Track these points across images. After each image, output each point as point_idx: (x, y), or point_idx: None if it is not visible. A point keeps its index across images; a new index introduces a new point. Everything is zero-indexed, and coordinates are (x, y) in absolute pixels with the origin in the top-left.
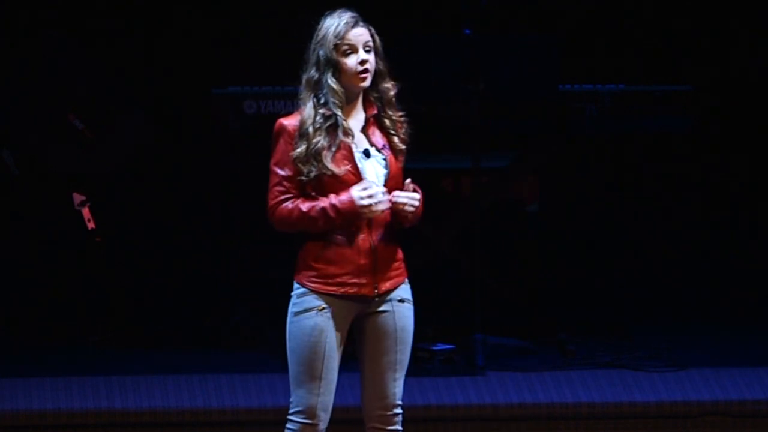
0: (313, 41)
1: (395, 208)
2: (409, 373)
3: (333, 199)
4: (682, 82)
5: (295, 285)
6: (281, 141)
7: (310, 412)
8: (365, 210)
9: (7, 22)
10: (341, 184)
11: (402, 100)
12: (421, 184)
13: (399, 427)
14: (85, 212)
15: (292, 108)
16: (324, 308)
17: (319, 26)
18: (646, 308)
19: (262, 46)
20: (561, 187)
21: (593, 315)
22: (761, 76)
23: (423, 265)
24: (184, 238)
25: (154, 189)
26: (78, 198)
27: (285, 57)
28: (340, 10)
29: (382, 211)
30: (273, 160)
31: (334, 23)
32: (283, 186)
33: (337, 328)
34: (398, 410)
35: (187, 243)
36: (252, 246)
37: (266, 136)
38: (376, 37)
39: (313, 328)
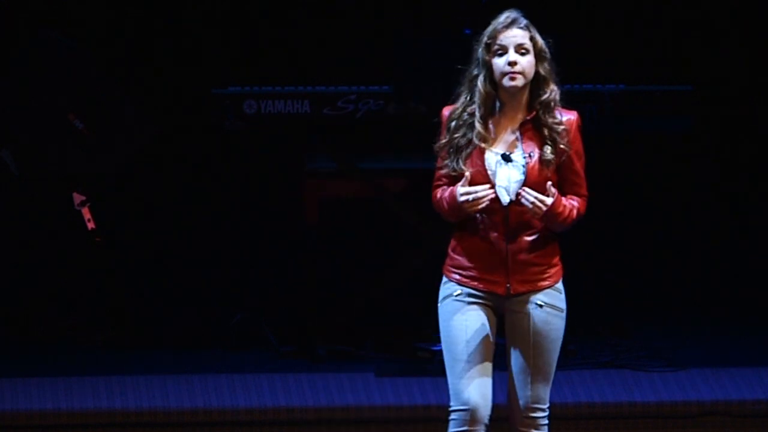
0: (478, 39)
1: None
2: (410, 373)
3: (447, 190)
4: (682, 82)
5: (443, 276)
6: (442, 129)
7: (461, 398)
8: (465, 206)
9: (6, 21)
10: (474, 182)
11: (402, 100)
12: (421, 183)
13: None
14: (85, 212)
15: (291, 108)
16: (460, 293)
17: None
18: (646, 308)
19: (262, 46)
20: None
21: (593, 315)
22: (761, 76)
23: (423, 265)
24: (184, 238)
25: (154, 189)
26: (78, 198)
27: (285, 57)
28: (507, 10)
29: (480, 208)
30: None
31: (493, 23)
32: (438, 172)
33: (478, 315)
34: (536, 414)
35: (187, 243)
36: (252, 246)
37: (266, 136)
38: (539, 41)
39: (450, 312)
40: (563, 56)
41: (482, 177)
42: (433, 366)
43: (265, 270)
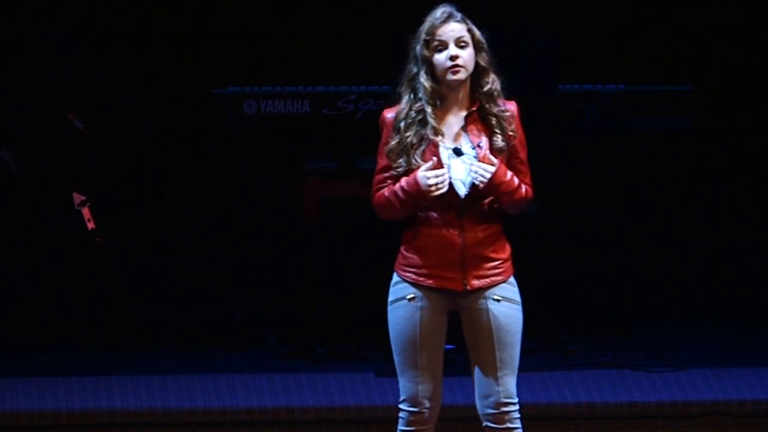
0: (416, 37)
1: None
2: None
3: (402, 180)
4: (682, 82)
5: (394, 274)
6: (383, 132)
7: (413, 401)
8: (431, 189)
9: (6, 21)
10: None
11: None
12: None
13: (512, 425)
14: (85, 212)
15: (291, 108)
16: (414, 297)
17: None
18: (646, 308)
19: (262, 46)
20: (561, 188)
21: (593, 314)
22: (761, 76)
23: None
24: (184, 238)
25: (154, 189)
26: (78, 198)
27: (285, 57)
28: (442, 6)
29: (441, 192)
30: (377, 152)
31: (429, 20)
32: (381, 175)
33: (431, 318)
34: (508, 408)
35: (187, 243)
36: (252, 246)
37: (266, 136)
38: (476, 32)
39: (404, 317)
40: (563, 56)
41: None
42: None
43: (265, 270)
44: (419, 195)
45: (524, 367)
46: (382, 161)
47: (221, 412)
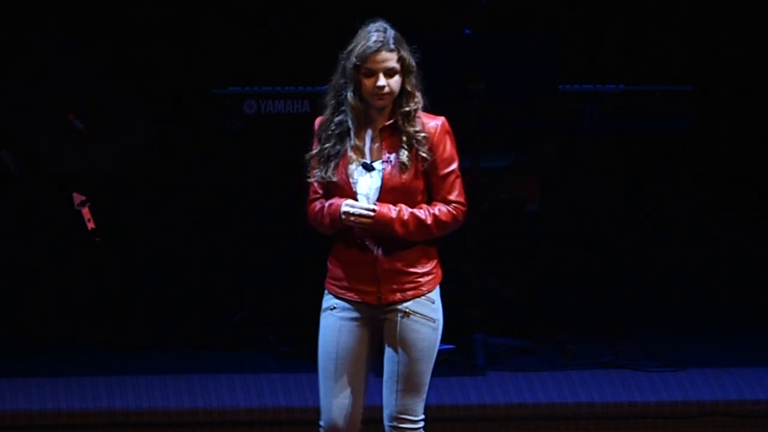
0: (346, 49)
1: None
2: None
3: (330, 201)
4: (682, 82)
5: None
6: (314, 139)
7: (325, 414)
8: (345, 220)
9: (6, 21)
10: (339, 191)
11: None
12: None
13: None
14: (85, 212)
15: (291, 108)
16: (335, 308)
17: (356, 36)
18: (646, 308)
19: (262, 46)
20: (561, 187)
21: (593, 315)
22: (761, 76)
23: None
24: (184, 238)
25: (154, 189)
26: (78, 198)
27: (285, 57)
28: (374, 26)
29: (360, 225)
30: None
31: (362, 42)
32: (313, 185)
33: (351, 329)
34: (405, 425)
35: (187, 243)
36: (252, 246)
37: (266, 136)
38: (406, 58)
39: (327, 327)
40: (563, 56)
41: (346, 186)
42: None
43: (265, 270)
44: (339, 222)
45: (524, 366)
46: (311, 169)
47: (221, 412)
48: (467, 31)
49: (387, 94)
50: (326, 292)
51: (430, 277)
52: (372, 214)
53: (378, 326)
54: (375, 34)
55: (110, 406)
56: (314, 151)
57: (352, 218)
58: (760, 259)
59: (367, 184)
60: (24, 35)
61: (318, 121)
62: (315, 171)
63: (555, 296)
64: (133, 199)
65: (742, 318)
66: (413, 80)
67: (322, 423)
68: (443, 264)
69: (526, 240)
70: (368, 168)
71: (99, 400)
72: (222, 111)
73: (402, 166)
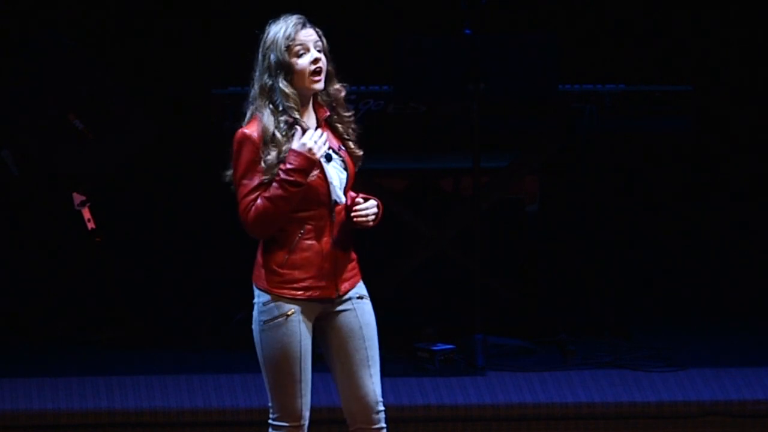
0: (262, 48)
1: (358, 223)
2: (410, 373)
3: (281, 168)
4: (682, 82)
5: (258, 292)
6: (245, 151)
7: (295, 416)
8: (313, 151)
9: (6, 22)
10: (310, 188)
11: (401, 100)
12: (421, 184)
13: (383, 425)
14: (85, 212)
15: None
16: (293, 312)
17: (266, 33)
18: (646, 308)
19: None
20: (561, 187)
21: (593, 315)
22: (761, 76)
23: (423, 265)
24: (184, 238)
25: (155, 189)
26: (78, 198)
27: None
28: (284, 16)
29: (324, 152)
30: (239, 173)
31: (282, 27)
32: (254, 195)
33: (309, 329)
34: (379, 407)
35: (187, 243)
36: (252, 246)
37: None
38: (324, 39)
39: (285, 334)
40: (563, 56)
41: (322, 181)
42: (433, 366)
43: None
44: (308, 165)
45: (524, 367)
46: (256, 179)
47: (221, 412)
48: (467, 31)
49: (323, 69)
50: (269, 298)
51: (357, 261)
52: (377, 204)
53: (321, 322)
54: (290, 18)
55: (110, 406)
56: (270, 156)
57: (362, 217)
58: (760, 259)
59: (336, 175)
60: (24, 35)
61: (248, 130)
62: (273, 177)
63: (555, 296)
64: (133, 199)
65: (743, 318)
66: (332, 64)
67: (288, 422)
68: (443, 264)
69: (526, 240)
70: (329, 158)
71: (99, 400)
72: (222, 111)
73: (356, 159)
